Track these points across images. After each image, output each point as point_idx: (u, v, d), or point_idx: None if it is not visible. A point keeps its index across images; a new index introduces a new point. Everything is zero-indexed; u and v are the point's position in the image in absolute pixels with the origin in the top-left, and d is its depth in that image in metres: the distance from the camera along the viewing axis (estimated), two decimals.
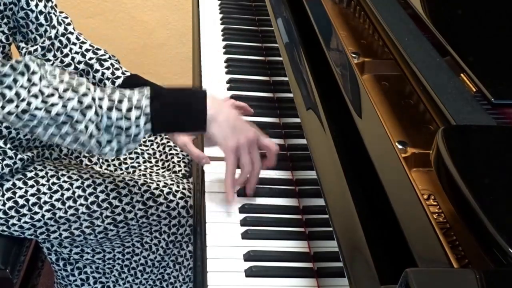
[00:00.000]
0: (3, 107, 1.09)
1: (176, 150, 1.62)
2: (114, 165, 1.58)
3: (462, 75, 1.05)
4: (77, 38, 1.45)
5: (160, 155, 1.61)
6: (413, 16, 1.24)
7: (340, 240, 0.90)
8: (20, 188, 1.36)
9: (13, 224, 1.36)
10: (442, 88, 1.03)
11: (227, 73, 1.60)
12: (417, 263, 0.78)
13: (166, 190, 1.41)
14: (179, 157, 1.60)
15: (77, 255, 1.46)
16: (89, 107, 1.11)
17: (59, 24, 1.41)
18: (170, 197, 1.40)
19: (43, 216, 1.36)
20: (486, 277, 0.71)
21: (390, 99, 1.15)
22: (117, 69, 1.43)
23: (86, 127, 1.11)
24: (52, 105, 1.09)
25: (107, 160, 1.57)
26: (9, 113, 1.09)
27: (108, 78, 1.41)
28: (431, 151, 0.89)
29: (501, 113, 0.99)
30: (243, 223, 1.17)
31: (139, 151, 1.61)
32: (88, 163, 1.54)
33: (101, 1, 2.75)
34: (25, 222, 1.36)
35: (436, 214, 0.90)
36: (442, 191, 0.86)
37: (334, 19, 1.39)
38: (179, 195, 1.41)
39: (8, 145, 1.36)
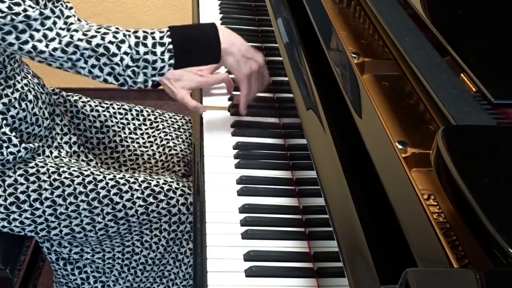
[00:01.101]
0: (47, 46, 1.20)
1: (175, 150, 1.62)
2: (114, 167, 1.58)
3: (462, 75, 1.05)
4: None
5: (160, 156, 1.62)
6: (413, 16, 1.25)
7: (340, 240, 0.90)
8: (21, 184, 1.37)
9: (14, 219, 1.37)
10: (442, 88, 1.03)
11: (227, 73, 1.60)
12: (417, 263, 0.78)
13: (166, 187, 1.42)
14: (179, 157, 1.61)
15: (77, 254, 1.46)
16: (122, 41, 1.24)
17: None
18: (170, 194, 1.41)
19: (44, 212, 1.37)
20: (486, 277, 0.71)
21: (390, 99, 1.15)
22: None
23: (122, 59, 1.24)
24: (92, 37, 1.22)
25: (106, 163, 1.57)
26: (54, 49, 1.20)
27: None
28: (431, 151, 0.89)
29: (501, 113, 0.99)
30: (243, 223, 1.17)
31: (138, 152, 1.61)
32: (88, 166, 1.54)
33: (101, 1, 2.76)
34: (26, 218, 1.37)
35: (436, 214, 0.90)
36: (442, 191, 0.86)
37: (334, 19, 1.39)
38: (179, 192, 1.42)
39: (14, 133, 1.37)
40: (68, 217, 1.38)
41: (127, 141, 1.64)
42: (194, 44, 1.30)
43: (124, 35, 1.25)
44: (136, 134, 1.65)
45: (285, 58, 1.37)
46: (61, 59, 1.22)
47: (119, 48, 1.23)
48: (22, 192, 1.37)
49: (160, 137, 1.64)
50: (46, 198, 1.37)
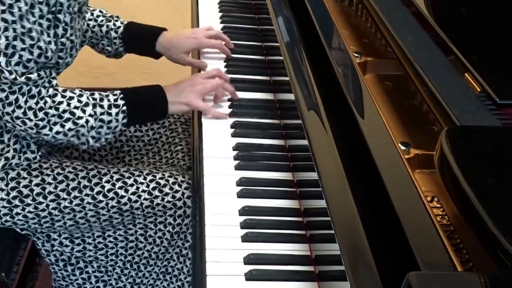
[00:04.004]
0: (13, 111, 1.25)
1: (181, 145, 1.65)
2: (118, 169, 1.59)
3: (466, 74, 1.05)
4: (88, 6, 1.62)
5: (165, 153, 1.65)
6: (417, 15, 1.25)
7: (342, 243, 0.90)
8: (24, 178, 1.38)
9: (17, 214, 1.38)
10: (446, 88, 1.03)
11: (226, 72, 1.60)
12: (420, 266, 0.77)
13: (171, 180, 1.43)
14: (183, 152, 1.63)
15: (79, 252, 1.47)
16: (87, 104, 1.32)
17: None
18: (176, 187, 1.43)
19: (47, 206, 1.38)
20: (491, 281, 0.71)
21: (393, 99, 1.15)
22: (116, 20, 1.67)
23: (87, 121, 1.31)
24: (59, 103, 1.29)
25: (112, 164, 1.59)
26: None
27: (111, 29, 1.64)
28: (435, 152, 0.89)
29: (506, 114, 0.99)
30: (243, 225, 1.17)
31: (143, 152, 1.64)
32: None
33: (102, 1, 2.76)
34: (29, 212, 1.38)
35: (440, 216, 0.90)
36: (446, 193, 0.86)
37: (335, 17, 1.39)
38: (184, 185, 1.43)
39: (33, 140, 1.40)
40: (72, 211, 1.39)
41: (132, 141, 1.67)
42: (144, 106, 1.41)
43: (87, 97, 1.33)
44: (141, 131, 1.67)
45: (286, 58, 1.37)
46: (30, 123, 1.27)
47: (84, 111, 1.32)
48: (25, 186, 1.38)
49: (166, 135, 1.67)
50: (50, 192, 1.38)
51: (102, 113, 1.33)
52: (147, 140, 1.66)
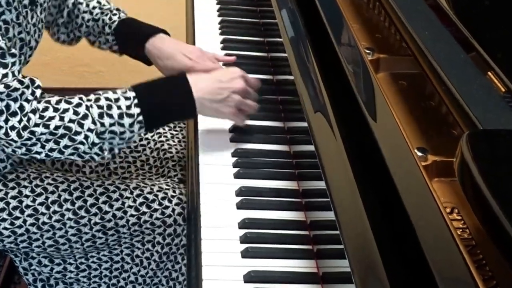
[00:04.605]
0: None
1: (170, 152, 1.63)
2: (104, 176, 1.58)
3: (489, 73, 1.05)
4: None
5: (154, 161, 1.63)
6: (435, 7, 1.25)
7: (352, 259, 0.90)
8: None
9: None
10: (467, 88, 1.03)
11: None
12: (439, 284, 0.77)
13: (161, 195, 1.42)
14: (174, 160, 1.61)
15: (59, 273, 1.46)
16: (85, 116, 1.23)
17: None
18: (166, 202, 1.42)
19: (24, 221, 1.37)
20: None
21: (409, 101, 1.15)
22: (114, 14, 1.61)
23: (86, 137, 1.24)
24: (49, 119, 1.21)
25: (96, 172, 1.58)
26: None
27: (106, 24, 1.60)
28: (455, 158, 0.88)
29: None
30: (243, 240, 1.17)
31: (130, 159, 1.62)
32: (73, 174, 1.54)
33: None
34: (5, 228, 1.37)
35: (460, 230, 0.90)
36: (467, 203, 0.86)
37: (345, 10, 1.39)
38: (175, 200, 1.42)
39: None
40: (51, 228, 1.38)
41: None
42: (164, 107, 1.33)
43: (87, 107, 1.24)
44: None
45: (290, 54, 1.37)
46: (15, 143, 1.21)
47: (81, 125, 1.23)
48: (1, 199, 1.37)
49: (154, 140, 1.65)
50: (27, 206, 1.37)
51: (112, 124, 1.25)
52: (134, 146, 1.64)
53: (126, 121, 1.26)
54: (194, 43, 1.72)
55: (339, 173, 1.04)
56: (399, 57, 1.27)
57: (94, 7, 1.61)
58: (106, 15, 1.61)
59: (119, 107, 1.26)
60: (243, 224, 1.20)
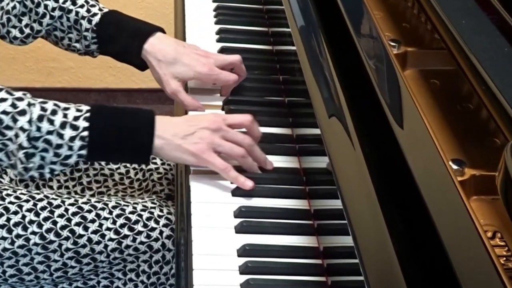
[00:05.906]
0: None
1: (155, 163, 1.63)
2: (75, 192, 1.59)
3: None
4: None
5: (136, 174, 1.62)
6: None
7: None
8: None
9: None
10: None
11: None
12: None
13: (146, 215, 1.43)
14: (160, 173, 1.62)
15: None
16: (22, 112, 1.23)
17: None
18: (152, 223, 1.42)
19: None
20: None
21: (442, 103, 1.15)
22: (93, 5, 1.58)
23: (17, 135, 1.22)
24: None
25: (66, 187, 1.58)
26: None
27: (83, 17, 1.56)
28: (497, 173, 0.89)
29: None
30: (243, 270, 1.18)
31: (107, 172, 1.62)
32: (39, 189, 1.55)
33: None
34: None
35: (504, 258, 0.91)
36: None
37: None
38: (163, 221, 1.42)
39: None
40: (14, 255, 1.39)
41: None
42: (119, 137, 1.29)
43: (29, 104, 1.24)
44: None
45: (299, 48, 1.38)
46: None
47: (15, 121, 1.22)
48: None
49: None
50: None
51: (49, 132, 1.24)
52: None
53: (68, 132, 1.25)
54: (184, 33, 1.73)
55: (359, 190, 1.05)
56: (430, 51, 1.28)
57: (65, 1, 1.57)
58: (81, 6, 1.56)
59: (65, 115, 1.26)
60: (243, 252, 1.21)
